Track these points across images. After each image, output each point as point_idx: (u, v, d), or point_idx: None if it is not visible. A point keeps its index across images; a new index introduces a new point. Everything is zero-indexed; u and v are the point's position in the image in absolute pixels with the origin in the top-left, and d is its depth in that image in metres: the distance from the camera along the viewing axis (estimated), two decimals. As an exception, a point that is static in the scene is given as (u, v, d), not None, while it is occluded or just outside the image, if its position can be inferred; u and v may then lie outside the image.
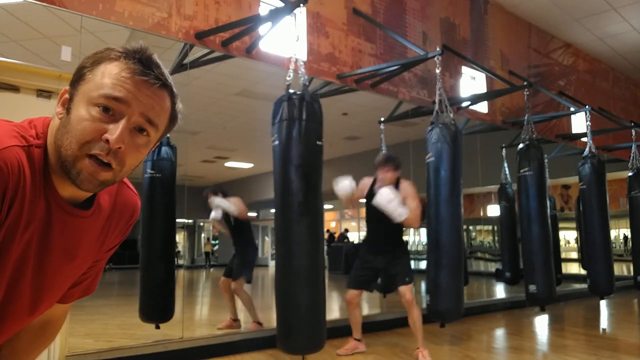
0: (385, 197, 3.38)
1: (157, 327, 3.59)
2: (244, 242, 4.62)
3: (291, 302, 2.79)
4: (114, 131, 0.73)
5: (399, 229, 3.68)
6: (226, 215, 4.55)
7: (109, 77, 0.75)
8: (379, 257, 3.67)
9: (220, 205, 4.43)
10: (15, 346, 0.95)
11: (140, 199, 0.97)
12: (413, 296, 3.53)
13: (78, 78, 0.77)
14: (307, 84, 2.94)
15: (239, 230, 4.62)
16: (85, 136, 0.73)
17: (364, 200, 3.82)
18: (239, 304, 4.51)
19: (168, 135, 3.72)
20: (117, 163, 0.75)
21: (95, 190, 0.80)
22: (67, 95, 0.78)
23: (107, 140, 0.73)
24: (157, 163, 3.62)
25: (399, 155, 3.74)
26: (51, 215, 0.78)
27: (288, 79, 2.95)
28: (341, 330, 4.03)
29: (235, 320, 4.53)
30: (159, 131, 0.81)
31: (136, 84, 0.75)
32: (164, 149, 3.67)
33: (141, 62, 0.76)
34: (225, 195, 4.54)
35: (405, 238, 3.84)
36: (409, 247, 3.78)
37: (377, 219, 3.61)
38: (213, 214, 4.53)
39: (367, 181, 3.76)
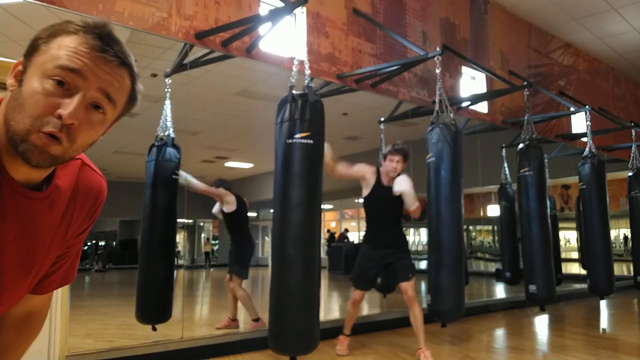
0: (408, 183, 3.52)
1: (154, 329, 3.58)
2: (238, 238, 4.64)
3: (284, 302, 2.77)
4: (68, 106, 0.69)
5: (400, 224, 3.74)
6: (224, 214, 4.56)
7: (66, 49, 0.70)
8: (382, 250, 3.67)
9: (185, 178, 4.05)
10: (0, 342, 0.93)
11: (106, 182, 0.93)
12: (415, 293, 3.54)
13: (32, 49, 0.72)
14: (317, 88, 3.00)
15: (232, 226, 4.62)
16: (37, 110, 0.69)
17: (360, 200, 3.81)
18: (240, 303, 4.50)
19: (173, 136, 3.75)
20: (67, 139, 0.71)
21: (46, 165, 0.74)
22: (20, 67, 0.73)
23: (60, 116, 0.69)
24: (161, 164, 3.62)
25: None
26: (2, 199, 0.73)
27: (307, 81, 2.98)
28: (340, 331, 4.02)
29: (234, 320, 4.53)
30: (116, 109, 0.77)
31: (94, 60, 0.71)
32: (169, 149, 3.66)
33: (101, 38, 0.72)
34: (223, 187, 4.54)
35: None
36: (408, 247, 3.80)
37: (380, 213, 3.66)
38: (215, 208, 4.59)
39: (366, 169, 3.72)
